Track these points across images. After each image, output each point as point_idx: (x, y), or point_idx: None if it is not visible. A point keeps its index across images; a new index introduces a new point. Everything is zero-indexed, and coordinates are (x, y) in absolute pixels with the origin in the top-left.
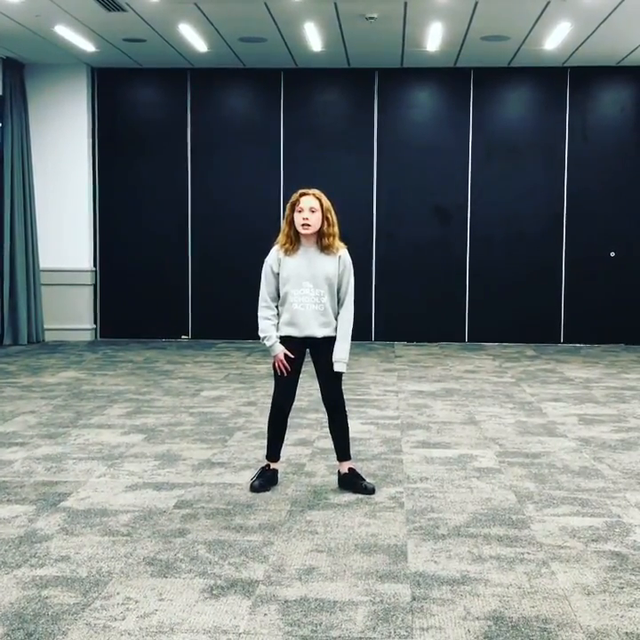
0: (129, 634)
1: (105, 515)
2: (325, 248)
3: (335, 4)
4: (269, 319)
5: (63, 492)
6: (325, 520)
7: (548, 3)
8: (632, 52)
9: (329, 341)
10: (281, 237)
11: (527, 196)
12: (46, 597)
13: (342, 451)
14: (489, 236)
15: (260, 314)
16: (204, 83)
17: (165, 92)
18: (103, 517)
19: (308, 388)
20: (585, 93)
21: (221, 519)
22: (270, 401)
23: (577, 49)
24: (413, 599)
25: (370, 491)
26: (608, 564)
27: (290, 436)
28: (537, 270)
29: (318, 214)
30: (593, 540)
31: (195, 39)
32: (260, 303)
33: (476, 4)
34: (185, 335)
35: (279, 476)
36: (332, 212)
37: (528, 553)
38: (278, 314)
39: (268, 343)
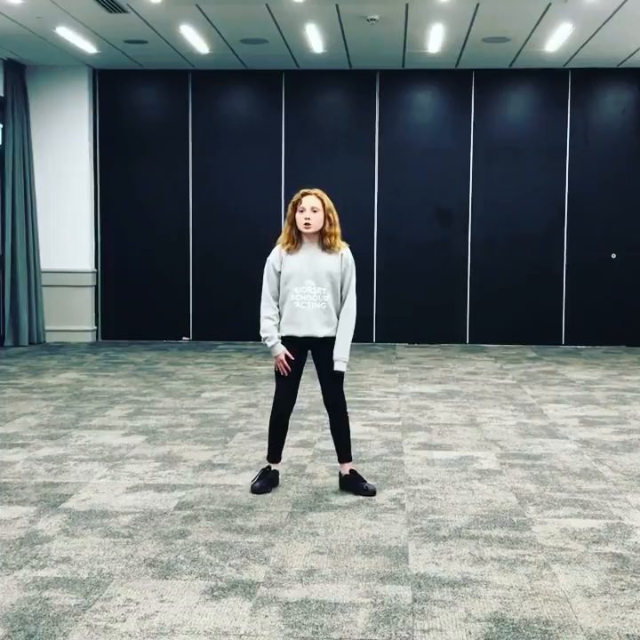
0: (130, 635)
1: (106, 516)
2: (327, 247)
3: (336, 5)
4: (271, 319)
5: (64, 494)
6: (326, 522)
7: (550, 4)
8: (633, 53)
9: (330, 341)
10: (283, 237)
11: (528, 198)
12: (47, 599)
13: (343, 452)
14: (490, 237)
15: (262, 313)
16: (206, 84)
17: (167, 93)
18: (104, 519)
19: (309, 389)
20: (586, 95)
21: (222, 521)
22: (271, 402)
23: (578, 51)
24: (414, 601)
25: (371, 492)
26: (609, 565)
27: (291, 438)
28: (538, 272)
29: (320, 214)
30: (594, 542)
31: (196, 40)
32: (263, 302)
33: (478, 5)
34: (186, 336)
35: (280, 477)
36: (334, 212)
37: (529, 555)
38: (280, 313)
39: (269, 343)
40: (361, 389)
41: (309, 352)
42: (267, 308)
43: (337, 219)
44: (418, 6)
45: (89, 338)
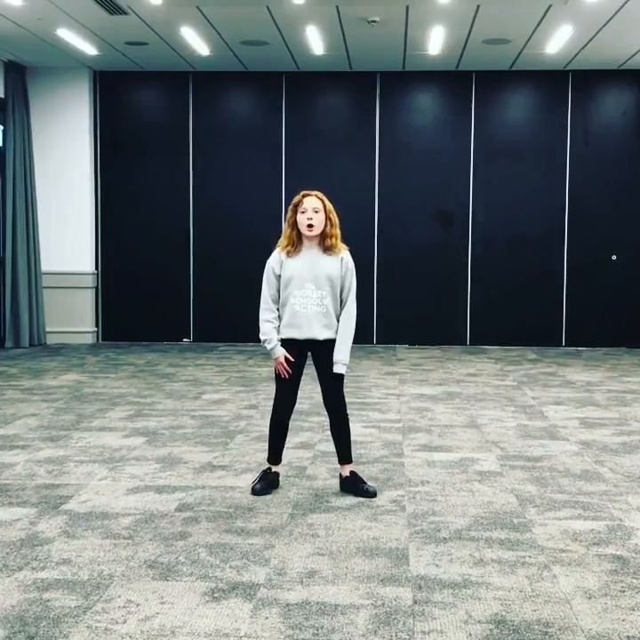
0: (130, 637)
1: (106, 518)
2: (328, 249)
3: (337, 7)
4: (271, 322)
5: (64, 495)
6: (327, 523)
7: (550, 6)
8: (633, 55)
9: (330, 344)
10: (283, 240)
11: (529, 200)
12: (47, 600)
13: (344, 454)
14: (490, 239)
15: (261, 316)
16: (206, 86)
17: (167, 95)
18: (104, 520)
19: (310, 391)
20: (586, 97)
21: (223, 522)
22: (271, 404)
23: (578, 52)
24: (415, 602)
25: (371, 494)
26: (609, 567)
27: (291, 439)
28: (538, 273)
29: (321, 215)
30: (594, 544)
31: (197, 42)
32: (262, 305)
33: (478, 7)
34: (186, 338)
35: (280, 479)
36: (334, 213)
37: (529, 556)
38: (279, 316)
39: (268, 346)
40: (361, 391)
41: (309, 354)
42: (266, 311)
43: (337, 220)
44: (418, 8)
45: (89, 339)
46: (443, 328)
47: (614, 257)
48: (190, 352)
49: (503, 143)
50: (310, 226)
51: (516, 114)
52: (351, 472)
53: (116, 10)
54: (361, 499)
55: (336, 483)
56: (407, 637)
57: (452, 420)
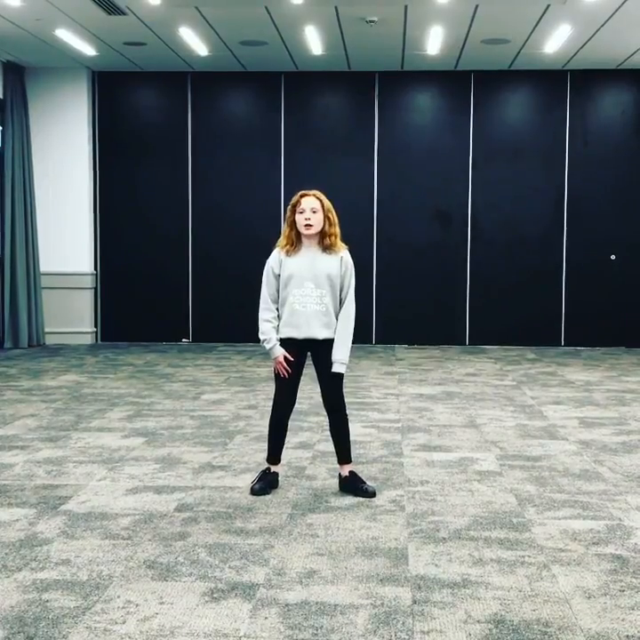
0: (129, 637)
1: (105, 518)
2: (327, 248)
3: (336, 7)
4: (270, 321)
5: (64, 496)
6: (326, 523)
7: (549, 6)
8: (632, 55)
9: (330, 343)
10: (282, 239)
11: (528, 199)
12: (47, 601)
13: (343, 454)
14: (489, 238)
15: (260, 316)
16: (205, 86)
17: (166, 95)
18: (104, 521)
19: (309, 391)
20: (585, 96)
21: (222, 522)
22: (271, 404)
23: (577, 52)
24: (414, 602)
25: (371, 494)
26: (609, 567)
27: (290, 440)
28: (537, 273)
29: (320, 214)
30: (594, 543)
31: (195, 43)
32: (261, 305)
33: (477, 7)
34: (185, 338)
35: (280, 479)
36: (333, 213)
37: (529, 556)
38: (279, 315)
39: (267, 346)
40: (360, 391)
41: (309, 354)
42: (265, 311)
43: (336, 219)
44: (417, 8)
45: (88, 340)
46: (442, 328)
47: (613, 257)
48: (189, 352)
49: (502, 143)
50: (308, 226)
51: (515, 113)
52: (350, 472)
53: (114, 10)
54: (360, 499)
55: (335, 483)
56: (406, 637)
57: (452, 419)
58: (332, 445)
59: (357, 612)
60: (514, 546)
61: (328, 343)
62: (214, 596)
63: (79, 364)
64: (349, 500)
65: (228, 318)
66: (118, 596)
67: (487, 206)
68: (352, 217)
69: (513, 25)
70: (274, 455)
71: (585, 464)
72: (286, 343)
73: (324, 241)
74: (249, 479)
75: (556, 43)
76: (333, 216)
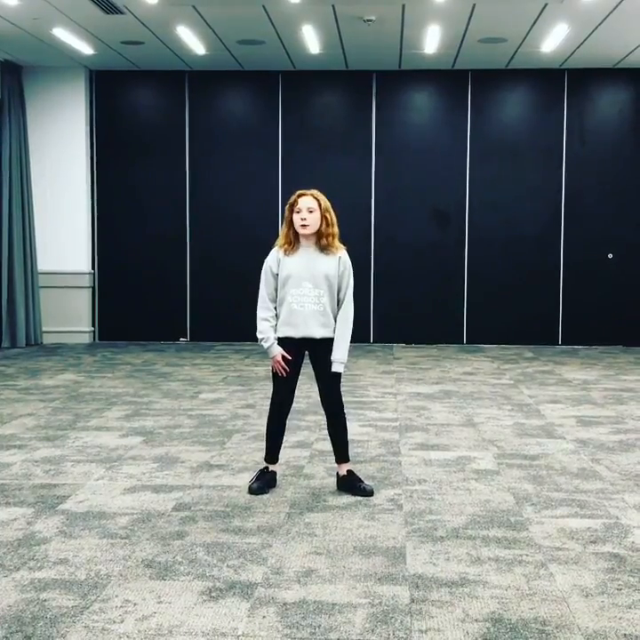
0: (127, 636)
1: (103, 517)
2: (325, 248)
3: (333, 6)
4: (268, 320)
5: (61, 495)
6: (324, 522)
7: (546, 5)
8: (629, 53)
9: (327, 343)
10: (280, 239)
11: (525, 198)
12: (45, 600)
13: (341, 453)
14: (487, 237)
15: (258, 315)
16: (203, 85)
17: (164, 94)
18: (101, 520)
19: (307, 390)
20: (582, 95)
21: (220, 521)
22: (268, 403)
23: (574, 51)
24: (412, 601)
25: (368, 493)
26: (606, 565)
27: (288, 439)
28: (535, 272)
29: (317, 214)
30: (591, 542)
31: (193, 42)
32: (259, 304)
33: (474, 6)
34: (183, 337)
35: (278, 478)
36: (331, 212)
37: (526, 555)
38: (277, 315)
39: (265, 345)
40: (358, 390)
41: (306, 353)
42: (263, 310)
43: (334, 219)
44: (414, 7)
45: (86, 339)
46: (439, 326)
47: (610, 255)
48: (187, 351)
49: (499, 142)
50: (304, 226)
51: (513, 112)
52: (348, 471)
53: (111, 9)
54: (358, 497)
55: (333, 482)
56: (404, 636)
57: (449, 418)
58: (330, 444)
59: (355, 610)
60: (511, 545)
61: (326, 342)
62: (212, 595)
63: (77, 363)
64: (347, 498)
65: (226, 317)
66: (116, 596)
67: (485, 205)
68: (350, 216)
69: (510, 24)
70: (272, 454)
71: (582, 463)
72: (284, 342)
73: (321, 241)
74: (247, 478)
75: (553, 42)
76: (331, 216)
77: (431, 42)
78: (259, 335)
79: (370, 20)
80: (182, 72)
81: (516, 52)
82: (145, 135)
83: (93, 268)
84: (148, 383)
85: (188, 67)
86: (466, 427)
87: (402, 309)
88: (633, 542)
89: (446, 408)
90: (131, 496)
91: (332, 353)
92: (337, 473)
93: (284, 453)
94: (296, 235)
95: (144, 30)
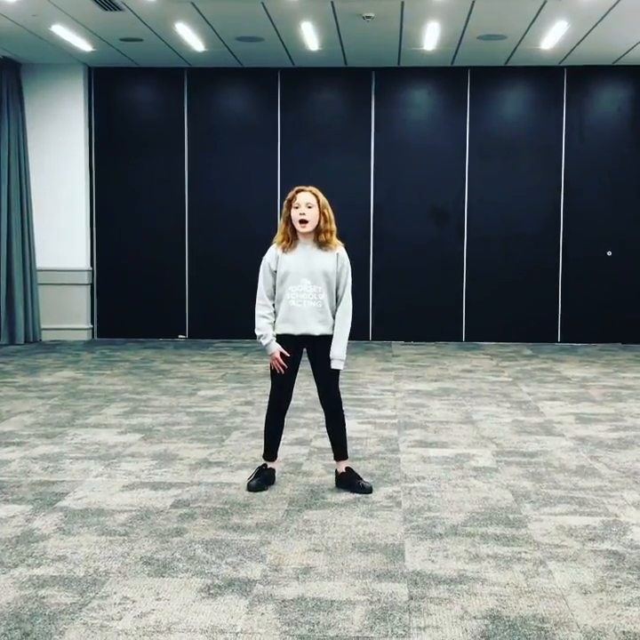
0: (126, 633)
1: (102, 514)
2: (323, 244)
3: (332, 3)
4: (266, 317)
5: (60, 492)
6: (323, 519)
7: (545, 2)
8: (629, 51)
9: (326, 340)
10: (278, 236)
11: (524, 196)
12: (43, 597)
13: (339, 450)
14: (486, 235)
15: (257, 312)
16: (201, 82)
17: (162, 91)
18: (100, 517)
19: (306, 387)
20: (582, 93)
21: (218, 519)
22: (267, 400)
23: (574, 48)
24: (411, 598)
25: (367, 490)
26: (605, 563)
27: (287, 436)
28: (534, 269)
29: (315, 210)
30: (590, 539)
31: (192, 39)
32: (258, 301)
33: (473, 3)
34: (182, 335)
35: (276, 475)
36: (329, 209)
37: (525, 552)
38: (275, 312)
39: (264, 342)
40: (357, 387)
41: (304, 350)
42: (262, 307)
43: (332, 216)
44: (413, 4)
45: (85, 336)
46: (438, 324)
47: (609, 253)
48: (186, 349)
49: (498, 139)
50: (303, 222)
51: (512, 110)
52: (347, 468)
53: (110, 6)
54: (357, 495)
55: (332, 479)
56: (403, 633)
57: (448, 416)
58: (329, 442)
59: (354, 607)
60: (510, 542)
61: (324, 339)
62: (211, 592)
63: (75, 360)
64: (346, 496)
65: (225, 315)
66: (115, 593)
67: (484, 202)
68: (348, 213)
69: (510, 21)
70: (270, 451)
71: (581, 460)
72: (282, 339)
73: (319, 237)
74: (245, 475)
75: (552, 39)
76: (329, 212)
77: (430, 39)
78: (257, 332)
79: (369, 17)
80: (181, 69)
81: (516, 49)
82: (144, 132)
83: (92, 265)
84: (146, 380)
85: (187, 64)
86: (465, 424)
87: (400, 307)
88: (631, 539)
89: (445, 405)
90: (129, 493)
91: (331, 350)
92: (336, 470)
93: (283, 451)
94: (294, 231)
95: (143, 27)
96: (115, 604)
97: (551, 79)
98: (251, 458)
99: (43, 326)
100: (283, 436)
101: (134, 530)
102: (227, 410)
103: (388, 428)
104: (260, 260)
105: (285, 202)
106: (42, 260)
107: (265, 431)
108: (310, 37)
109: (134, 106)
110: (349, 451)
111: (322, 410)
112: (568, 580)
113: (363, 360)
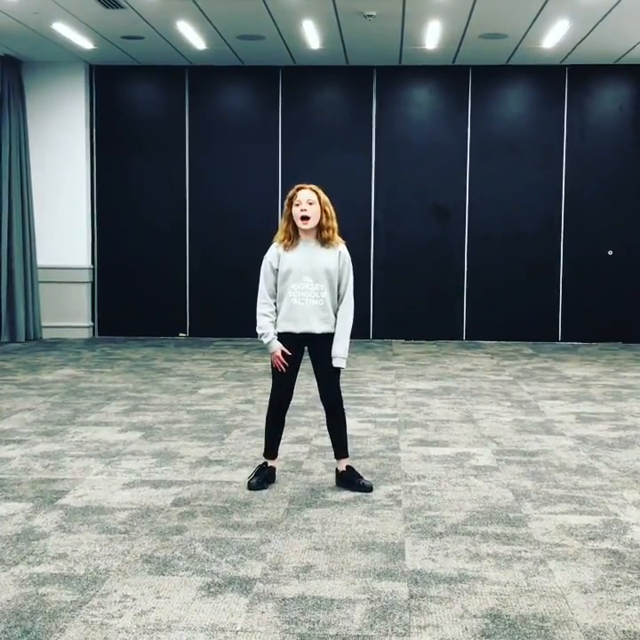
0: (126, 631)
1: (102, 512)
2: (325, 241)
3: (333, 1)
4: (268, 316)
5: (61, 490)
6: (323, 518)
7: (547, 1)
8: (630, 50)
9: (327, 338)
10: (279, 234)
11: (525, 195)
12: (44, 595)
13: (340, 448)
14: (487, 234)
15: (258, 310)
16: (203, 80)
17: (163, 89)
18: (101, 515)
19: (306, 385)
20: (583, 91)
21: (219, 517)
22: (268, 399)
23: (575, 47)
24: (411, 597)
25: (367, 488)
26: (605, 562)
27: (287, 434)
28: (535, 268)
29: (316, 207)
30: (590, 539)
31: (193, 37)
32: (259, 300)
33: (475, 1)
34: (182, 333)
35: (277, 473)
36: (330, 206)
37: (525, 551)
38: (277, 310)
39: (265, 340)
40: (358, 386)
41: (306, 349)
42: (263, 306)
43: (333, 213)
44: (415, 2)
45: (85, 334)
46: (439, 323)
47: (610, 252)
48: (186, 347)
49: (500, 138)
50: (304, 218)
51: (513, 108)
52: (347, 467)
53: (111, 4)
54: (357, 493)
55: (332, 477)
56: (403, 632)
57: (448, 414)
58: (329, 440)
59: (354, 606)
60: (510, 541)
61: (326, 338)
62: (211, 590)
63: (76, 358)
64: (346, 494)
65: (226, 313)
66: (115, 591)
67: (485, 201)
68: (350, 212)
69: (511, 20)
70: (271, 450)
71: (581, 459)
72: (284, 337)
73: (321, 234)
74: (246, 474)
75: (554, 38)
76: (330, 210)
77: (432, 37)
78: (258, 331)
79: (370, 16)
80: (182, 67)
81: (517, 47)
82: (145, 130)
83: (93, 263)
84: (147, 378)
85: (188, 62)
86: (465, 423)
87: (401, 305)
88: (632, 539)
89: (446, 404)
90: (130, 491)
91: (333, 348)
92: (336, 469)
93: (283, 449)
94: (295, 229)
95: (144, 25)
96: (115, 601)
97: (552, 78)
98: (251, 456)
99: (43, 324)
100: (283, 435)
101: (135, 528)
102: (227, 408)
103: (388, 427)
104: (261, 257)
105: (286, 200)
106: (42, 258)
107: (265, 429)
108: (312, 36)
109: (135, 104)
110: (350, 449)
111: (322, 408)
112: (568, 579)
113: (363, 358)
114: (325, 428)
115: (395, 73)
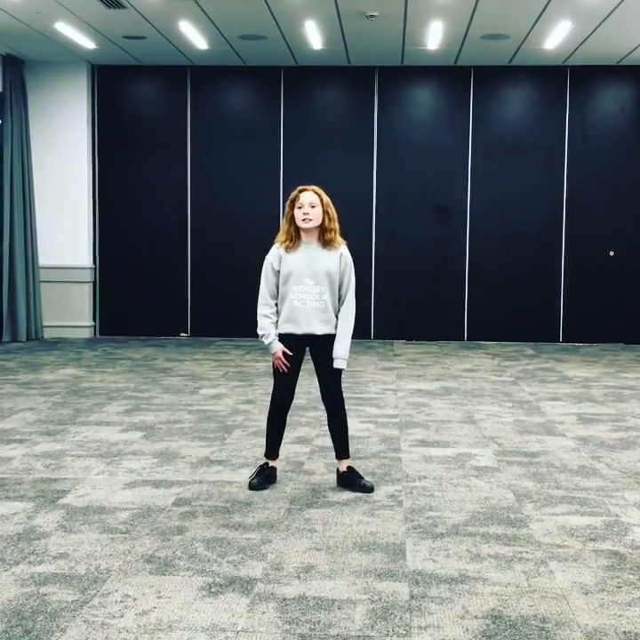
0: (127, 631)
1: (103, 512)
2: (327, 243)
3: (336, 2)
4: (268, 317)
5: (62, 490)
6: (324, 518)
7: (549, 2)
8: (632, 51)
9: (329, 339)
10: (281, 235)
11: (527, 195)
12: (44, 594)
13: (341, 449)
14: (488, 234)
15: (259, 311)
16: (204, 80)
17: (165, 89)
18: (102, 515)
19: (307, 385)
20: (585, 92)
21: (220, 517)
22: (269, 399)
23: (577, 48)
24: (412, 597)
25: (368, 489)
26: (606, 563)
27: (289, 434)
28: (536, 269)
29: (318, 209)
30: (591, 540)
31: (195, 37)
32: (260, 301)
33: (477, 2)
34: (184, 333)
35: (278, 474)
36: (332, 208)
37: (526, 552)
38: (278, 311)
39: (266, 341)
40: (359, 386)
41: (307, 349)
42: (264, 307)
43: (335, 214)
44: (417, 3)
45: (87, 334)
46: (440, 323)
47: (612, 253)
48: (187, 347)
49: (501, 138)
50: (306, 220)
51: (515, 109)
52: (348, 467)
53: (114, 3)
54: (358, 494)
55: (333, 478)
56: (404, 632)
57: (449, 415)
58: (330, 440)
59: (355, 606)
60: (511, 542)
61: (327, 339)
62: (212, 590)
63: (77, 357)
64: (347, 495)
65: (227, 313)
66: (116, 590)
67: (486, 202)
68: (351, 212)
69: (513, 20)
70: (272, 450)
71: (583, 460)
72: (285, 339)
73: (323, 236)
74: (247, 474)
75: (556, 38)
76: (332, 211)
77: (434, 38)
78: (259, 332)
79: (372, 16)
80: (184, 67)
81: (519, 48)
82: (146, 130)
83: (94, 262)
84: (148, 378)
85: (190, 62)
86: (466, 423)
87: (402, 306)
88: (633, 540)
89: (447, 405)
90: (131, 491)
91: (334, 349)
92: (337, 469)
93: (285, 449)
94: (297, 231)
95: (146, 25)
96: (116, 601)
97: (554, 79)
98: (252, 456)
99: (45, 324)
100: (284, 435)
101: (136, 528)
102: (228, 408)
103: (389, 427)
104: (262, 258)
105: (288, 202)
106: (44, 258)
107: (267, 430)
108: (314, 36)
109: (137, 104)
110: (351, 450)
111: (323, 408)
112: (569, 580)
113: (364, 359)
114: (326, 428)
115: (396, 73)
